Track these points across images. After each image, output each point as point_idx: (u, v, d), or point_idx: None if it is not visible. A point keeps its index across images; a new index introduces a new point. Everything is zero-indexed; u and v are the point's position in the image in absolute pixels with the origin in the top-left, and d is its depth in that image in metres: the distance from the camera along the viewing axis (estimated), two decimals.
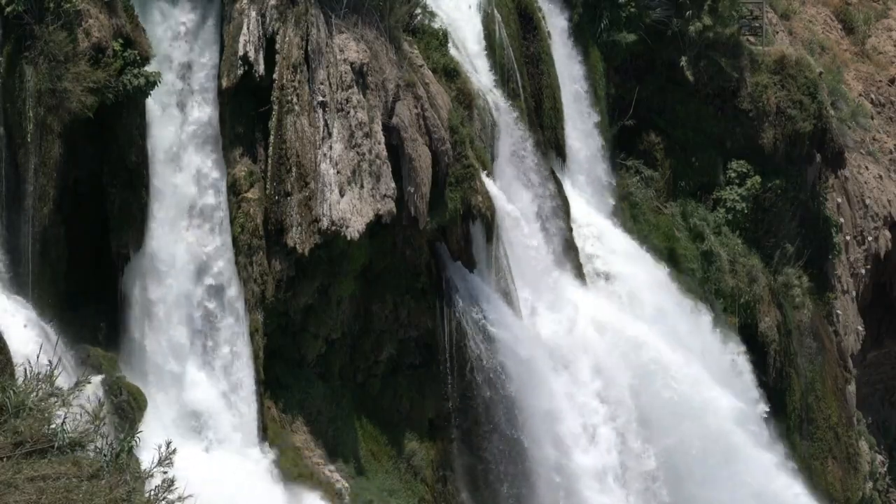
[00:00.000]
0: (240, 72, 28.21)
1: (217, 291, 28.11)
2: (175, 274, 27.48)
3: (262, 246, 28.54)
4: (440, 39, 33.08)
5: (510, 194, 33.92)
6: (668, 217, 41.30)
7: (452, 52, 33.72)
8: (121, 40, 25.73)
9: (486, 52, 35.37)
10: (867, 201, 48.37)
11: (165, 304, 27.34)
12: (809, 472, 42.29)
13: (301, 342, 30.14)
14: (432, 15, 33.00)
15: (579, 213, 37.77)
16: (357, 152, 29.17)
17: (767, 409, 40.06)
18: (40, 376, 12.60)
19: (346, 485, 29.50)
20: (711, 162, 42.42)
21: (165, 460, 11.39)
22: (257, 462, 28.11)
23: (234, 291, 28.22)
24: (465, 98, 33.22)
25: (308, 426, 29.85)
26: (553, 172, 36.69)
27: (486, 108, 34.08)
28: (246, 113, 28.95)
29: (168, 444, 11.66)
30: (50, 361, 13.49)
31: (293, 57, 28.73)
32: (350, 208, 28.80)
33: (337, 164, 28.89)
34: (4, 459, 11.68)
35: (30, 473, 11.46)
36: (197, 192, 27.99)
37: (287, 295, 29.18)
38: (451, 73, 32.98)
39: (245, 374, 28.22)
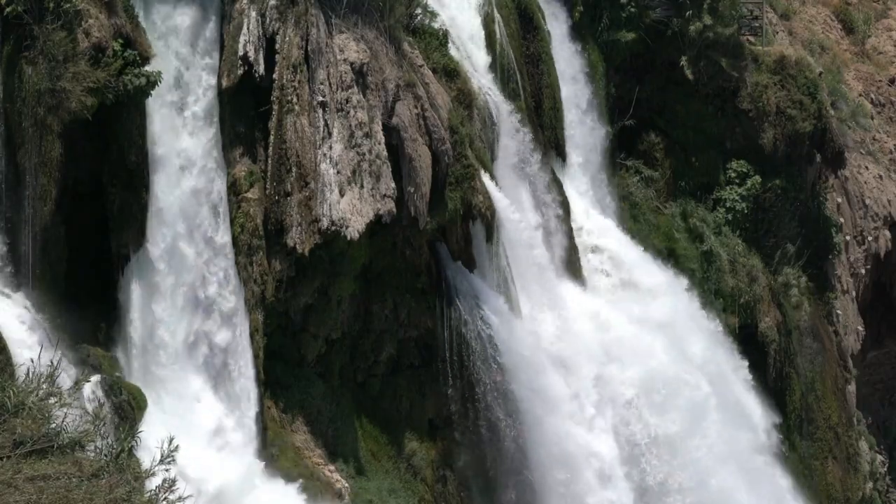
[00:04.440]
0: (240, 72, 28.20)
1: (217, 291, 28.09)
2: (175, 273, 27.44)
3: (262, 246, 28.54)
4: (440, 39, 33.07)
5: (510, 194, 33.91)
6: (668, 217, 41.30)
7: (452, 52, 33.71)
8: (121, 40, 25.71)
9: (486, 52, 35.36)
10: (867, 201, 48.37)
11: (165, 304, 27.30)
12: (809, 472, 42.30)
13: (301, 342, 30.14)
14: (432, 15, 32.98)
15: (579, 212, 37.77)
16: (357, 152, 29.16)
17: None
18: (41, 376, 12.59)
19: (346, 485, 29.50)
20: (711, 162, 42.42)
21: (168, 457, 11.37)
22: (257, 462, 28.10)
23: (234, 291, 28.21)
24: (465, 98, 33.21)
25: (308, 426, 29.85)
26: (553, 172, 36.69)
27: (486, 108, 34.07)
28: (246, 113, 28.94)
29: (171, 440, 11.63)
30: (51, 361, 13.48)
31: (293, 57, 28.73)
32: (350, 208, 28.79)
33: (337, 164, 28.88)
34: (4, 459, 11.67)
35: (30, 473, 11.45)
36: (196, 192, 27.97)
37: (287, 295, 29.18)
38: (451, 73, 32.97)
39: (245, 373, 28.21)
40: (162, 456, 11.33)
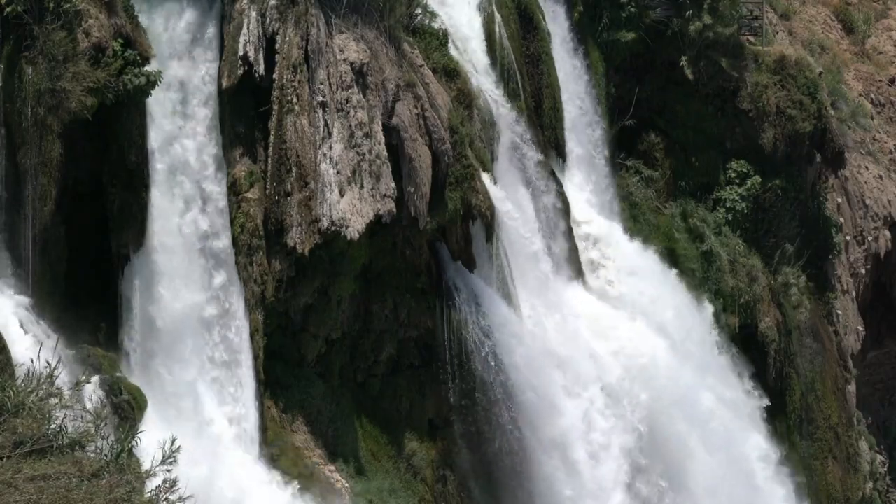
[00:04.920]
0: (240, 72, 28.20)
1: (217, 291, 28.08)
2: (175, 273, 27.45)
3: (262, 246, 28.53)
4: (440, 39, 33.07)
5: (510, 194, 33.91)
6: (669, 217, 41.29)
7: (452, 52, 33.71)
8: (121, 40, 25.71)
9: (486, 52, 35.36)
10: (867, 201, 48.36)
11: (165, 305, 27.30)
12: (809, 472, 42.29)
13: (301, 342, 30.13)
14: (432, 15, 32.99)
15: (579, 212, 37.76)
16: (357, 152, 29.15)
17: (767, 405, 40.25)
18: (40, 377, 12.58)
19: (346, 485, 29.49)
20: (711, 162, 42.41)
21: (169, 458, 11.35)
22: (257, 462, 28.10)
23: (234, 291, 28.21)
24: (465, 98, 33.21)
25: (308, 426, 29.84)
26: (553, 172, 36.69)
27: (486, 108, 34.07)
28: (246, 113, 28.93)
29: (173, 441, 11.60)
30: (48, 362, 13.47)
31: (293, 57, 28.72)
32: (350, 208, 28.78)
33: (337, 164, 28.88)
34: (4, 459, 11.66)
35: (30, 473, 11.44)
36: (197, 192, 27.98)
37: (287, 295, 29.17)
38: (451, 73, 32.97)
39: (245, 373, 28.20)
40: (164, 456, 11.31)
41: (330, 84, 29.10)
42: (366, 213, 29.00)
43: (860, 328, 47.29)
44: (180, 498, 11.62)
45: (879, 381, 51.23)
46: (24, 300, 24.74)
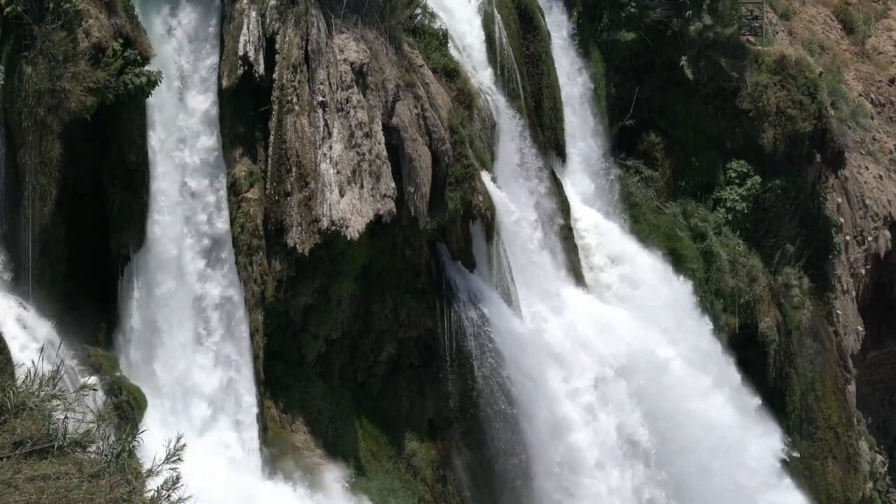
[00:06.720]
0: (240, 72, 28.20)
1: (217, 291, 28.08)
2: (175, 273, 27.46)
3: (262, 246, 28.53)
4: (440, 39, 33.08)
5: (510, 194, 33.91)
6: (669, 217, 41.29)
7: (452, 52, 33.71)
8: (121, 40, 25.71)
9: (486, 53, 35.37)
10: (867, 201, 48.37)
11: (165, 304, 27.31)
12: (809, 472, 42.30)
13: (301, 342, 30.13)
14: (432, 15, 32.99)
15: (579, 213, 37.77)
16: (357, 152, 29.15)
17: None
18: (42, 378, 12.56)
19: (346, 485, 29.49)
20: (711, 162, 42.41)
21: (173, 456, 11.32)
22: (257, 461, 28.09)
23: (234, 291, 28.20)
24: (465, 98, 33.21)
25: (308, 426, 29.84)
26: (553, 172, 36.69)
27: (486, 108, 34.07)
28: (246, 113, 28.93)
29: (178, 438, 11.57)
30: (51, 363, 13.45)
31: (293, 57, 28.72)
32: (350, 208, 28.78)
33: (337, 164, 28.87)
34: (4, 459, 11.65)
35: (30, 473, 11.43)
36: (198, 190, 27.98)
37: (287, 295, 29.17)
38: (451, 73, 32.98)
39: (245, 373, 28.20)
40: (167, 454, 11.29)
41: (330, 84, 29.10)
42: (366, 213, 29.00)
43: (860, 328, 47.30)
44: (180, 498, 11.60)
45: (879, 381, 51.24)
46: (24, 300, 24.74)
